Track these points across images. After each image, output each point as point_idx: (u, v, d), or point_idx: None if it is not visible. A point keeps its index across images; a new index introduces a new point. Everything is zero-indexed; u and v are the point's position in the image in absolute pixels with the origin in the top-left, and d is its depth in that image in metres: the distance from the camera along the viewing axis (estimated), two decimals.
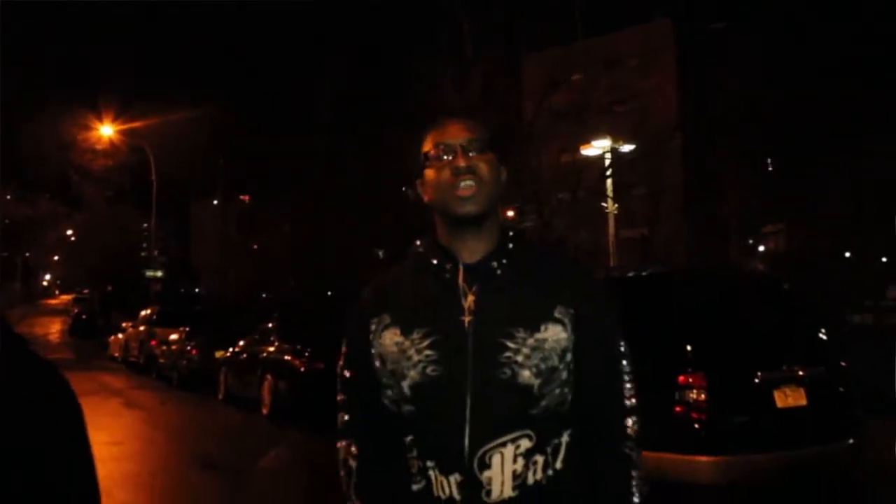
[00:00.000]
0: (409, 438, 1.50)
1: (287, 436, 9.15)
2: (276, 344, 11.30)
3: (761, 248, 34.98)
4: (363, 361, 1.56)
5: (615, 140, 18.83)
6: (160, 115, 28.26)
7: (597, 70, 21.29)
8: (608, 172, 18.83)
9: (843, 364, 5.50)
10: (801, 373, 5.13)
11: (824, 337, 5.74)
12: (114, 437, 9.40)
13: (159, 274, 29.71)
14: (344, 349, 1.63)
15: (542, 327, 1.46)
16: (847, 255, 32.19)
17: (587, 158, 19.69)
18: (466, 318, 1.47)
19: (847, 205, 28.69)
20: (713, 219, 27.40)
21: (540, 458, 1.45)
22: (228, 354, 13.17)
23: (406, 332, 1.49)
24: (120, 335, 23.86)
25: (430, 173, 1.54)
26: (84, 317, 41.56)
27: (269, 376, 10.84)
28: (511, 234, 1.56)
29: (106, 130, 28.72)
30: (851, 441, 5.10)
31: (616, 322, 1.56)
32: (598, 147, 18.98)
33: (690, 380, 4.71)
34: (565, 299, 1.49)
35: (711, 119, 26.55)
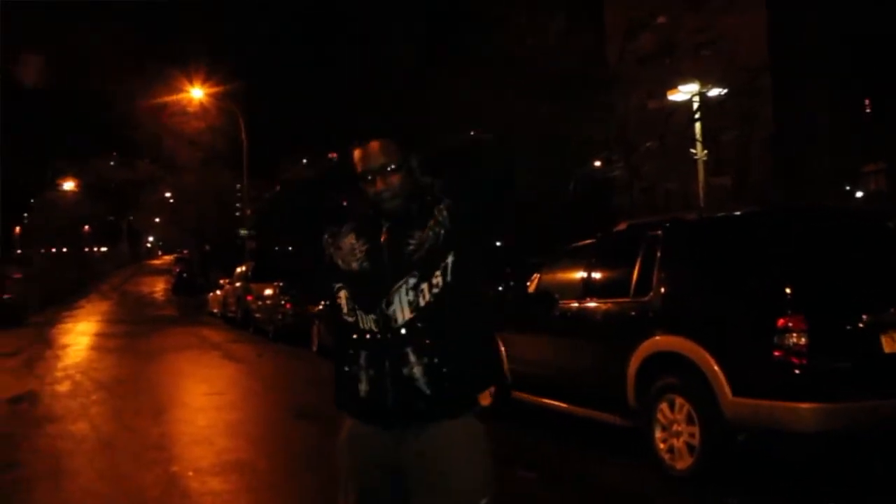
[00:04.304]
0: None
1: None
2: None
3: (859, 195, 33.22)
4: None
5: (703, 84, 18.12)
6: (248, 76, 28.77)
7: (682, 10, 20.33)
8: (696, 117, 18.16)
9: None
10: None
11: None
12: (214, 388, 9.83)
13: (252, 232, 30.49)
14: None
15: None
16: None
17: (674, 103, 19.02)
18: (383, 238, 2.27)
19: None
20: (807, 163, 26.11)
21: (425, 286, 2.17)
22: (321, 308, 13.51)
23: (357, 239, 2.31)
24: (218, 292, 24.77)
25: (363, 185, 2.26)
26: (185, 276, 43.40)
27: None
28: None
29: (196, 93, 29.47)
30: None
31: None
32: (685, 91, 18.31)
33: (790, 323, 4.52)
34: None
35: (804, 57, 25.10)
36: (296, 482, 5.39)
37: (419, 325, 2.15)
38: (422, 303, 2.15)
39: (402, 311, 2.16)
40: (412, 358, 2.14)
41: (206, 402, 8.73)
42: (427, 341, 2.14)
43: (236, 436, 6.87)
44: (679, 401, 5.13)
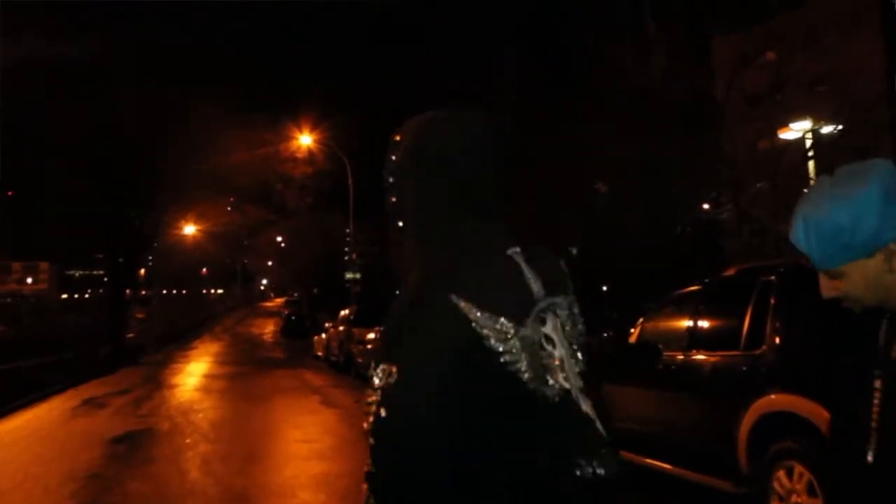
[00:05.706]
0: None
1: None
2: None
3: None
4: None
5: (816, 120, 17.12)
6: (355, 121, 29.42)
7: (793, 46, 19.39)
8: (809, 155, 17.16)
9: None
10: None
11: None
12: (307, 435, 9.68)
13: (358, 276, 30.88)
14: None
15: None
16: None
17: (786, 142, 18.04)
18: None
19: None
20: None
21: None
22: None
23: None
24: (323, 335, 24.98)
25: None
26: (293, 318, 44.30)
27: None
28: None
29: (305, 140, 30.32)
30: None
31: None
32: (797, 129, 17.35)
33: None
34: None
35: None
36: None
37: None
38: None
39: None
40: None
41: (296, 451, 8.59)
42: None
43: (319, 489, 6.64)
44: (798, 468, 4.57)
